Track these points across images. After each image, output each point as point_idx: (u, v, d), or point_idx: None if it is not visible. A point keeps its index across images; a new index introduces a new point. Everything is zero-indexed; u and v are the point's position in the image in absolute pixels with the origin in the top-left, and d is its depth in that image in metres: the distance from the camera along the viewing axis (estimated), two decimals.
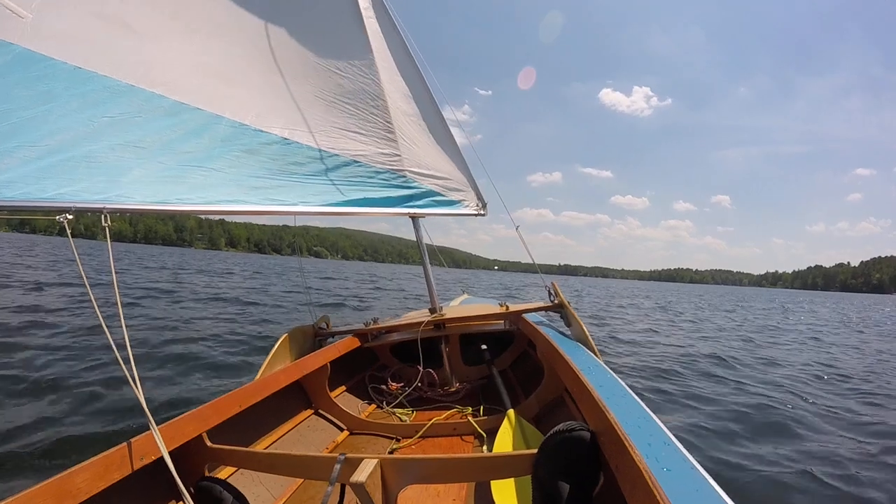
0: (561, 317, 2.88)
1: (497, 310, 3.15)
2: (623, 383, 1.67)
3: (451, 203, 3.27)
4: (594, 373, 1.78)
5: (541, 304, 3.01)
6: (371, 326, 3.27)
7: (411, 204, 3.04)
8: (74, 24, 2.95)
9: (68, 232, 2.06)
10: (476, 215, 3.43)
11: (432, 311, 3.32)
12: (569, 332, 2.73)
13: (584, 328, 2.57)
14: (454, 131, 3.30)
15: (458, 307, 3.96)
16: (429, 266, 3.36)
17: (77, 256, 2.05)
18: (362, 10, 3.08)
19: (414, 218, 3.20)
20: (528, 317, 3.05)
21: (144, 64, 2.89)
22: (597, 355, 2.28)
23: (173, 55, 2.92)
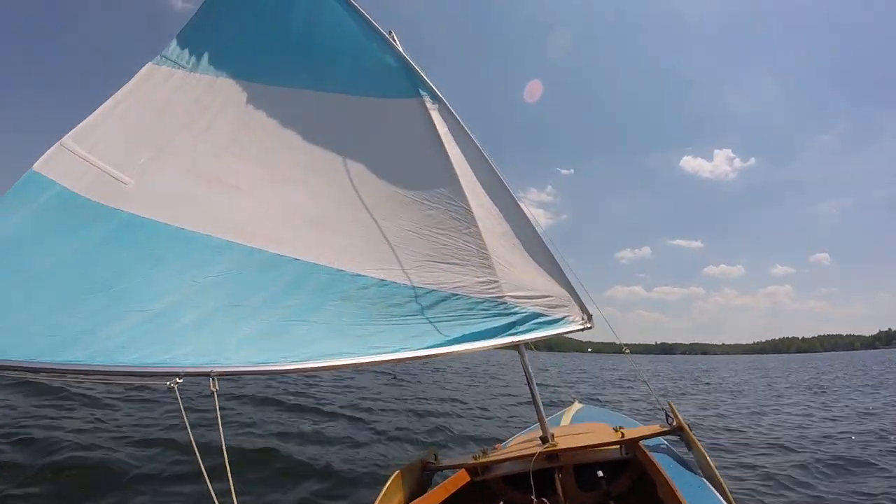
0: (681, 439, 2.77)
1: (612, 435, 2.96)
2: None
3: (555, 322, 2.99)
4: None
5: (657, 428, 2.91)
6: (481, 459, 3.03)
7: (514, 331, 2.80)
8: (173, 186, 3.20)
9: (177, 396, 2.03)
10: (582, 330, 3.12)
11: (544, 440, 3.02)
12: (691, 457, 2.64)
13: (708, 458, 2.42)
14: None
15: (569, 428, 3.62)
16: (537, 393, 3.07)
17: (188, 426, 2.02)
18: (441, 136, 3.10)
19: (519, 346, 2.96)
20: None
21: (240, 218, 3.03)
22: (725, 493, 2.16)
23: (266, 206, 3.06)
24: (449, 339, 2.59)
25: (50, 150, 3.26)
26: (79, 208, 3.01)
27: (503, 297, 2.82)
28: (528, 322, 2.87)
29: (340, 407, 7.90)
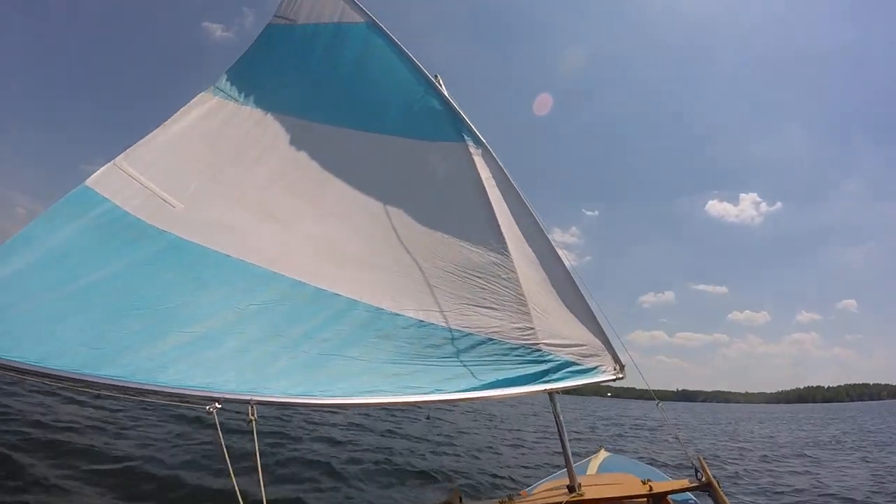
0: (709, 495, 2.72)
1: (640, 488, 2.90)
2: None
3: (587, 371, 2.97)
4: None
5: (686, 482, 2.87)
6: (506, 503, 2.97)
7: (547, 378, 2.79)
8: (221, 214, 3.29)
9: (216, 421, 2.04)
10: (614, 380, 3.09)
11: (571, 488, 2.95)
12: None
13: None
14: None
15: (596, 478, 3.56)
16: (566, 440, 3.02)
17: (225, 452, 2.01)
18: (484, 181, 3.17)
19: (550, 394, 2.94)
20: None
21: (285, 251, 3.10)
22: None
23: (310, 240, 3.12)
24: (483, 383, 2.59)
25: (103, 168, 3.39)
26: (128, 227, 3.10)
27: (538, 344, 2.82)
28: (561, 370, 2.86)
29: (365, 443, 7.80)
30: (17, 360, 1.97)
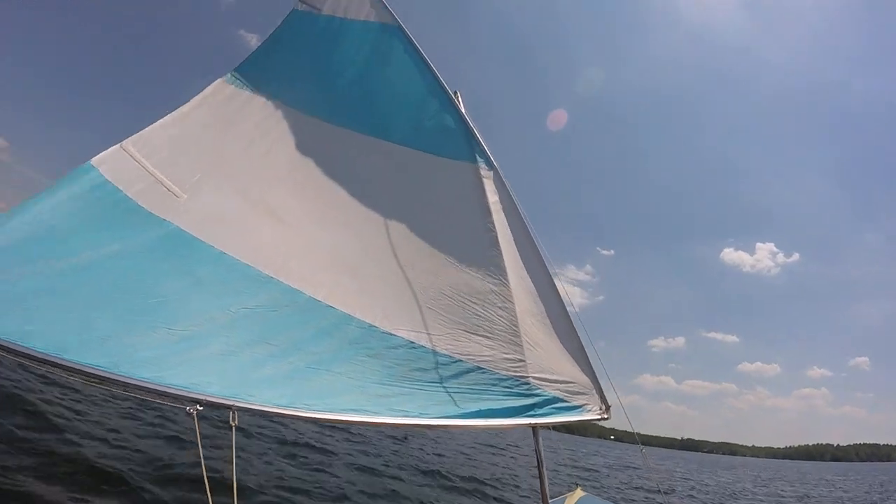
0: None
1: None
2: None
3: (573, 409, 2.94)
4: None
5: None
6: None
7: (533, 413, 2.76)
8: (224, 208, 3.23)
9: (196, 423, 2.01)
10: (599, 420, 3.06)
11: None
12: None
13: None
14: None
15: None
16: (545, 477, 2.98)
17: (202, 456, 1.99)
18: (491, 205, 3.15)
19: (535, 428, 2.91)
20: None
21: (284, 253, 3.06)
22: None
23: (311, 246, 3.07)
24: (468, 412, 2.56)
25: (110, 150, 3.35)
26: (128, 212, 3.07)
27: (527, 377, 2.79)
28: (547, 406, 2.83)
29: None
30: None
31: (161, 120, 3.52)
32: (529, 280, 2.99)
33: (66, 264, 2.66)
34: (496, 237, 2.99)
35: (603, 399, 3.08)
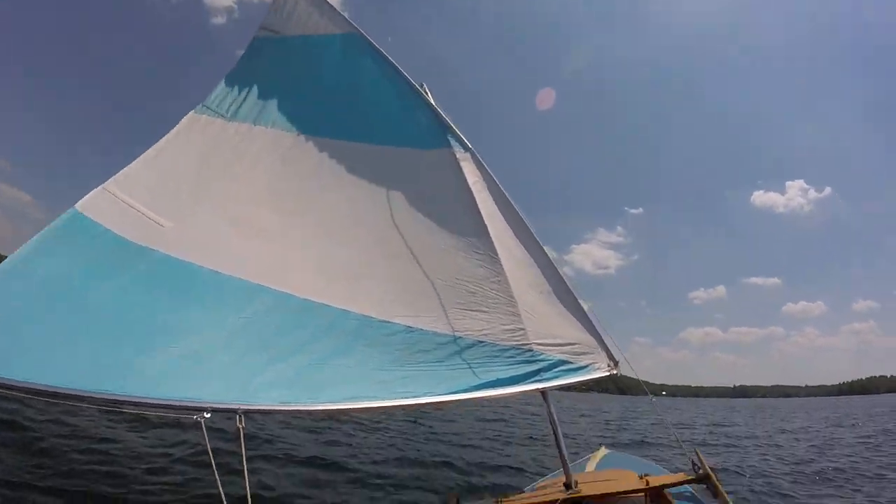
0: (707, 488, 2.77)
1: (636, 483, 2.91)
2: None
3: (580, 369, 2.97)
4: None
5: (683, 476, 2.91)
6: (503, 502, 2.98)
7: (539, 378, 2.79)
8: (209, 230, 3.30)
9: (204, 431, 2.05)
10: (608, 375, 3.09)
11: (567, 486, 2.95)
12: None
13: None
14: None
15: (594, 475, 3.57)
16: (561, 438, 3.01)
17: (213, 461, 2.02)
18: (471, 185, 3.20)
19: (544, 392, 2.93)
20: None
21: (272, 263, 3.11)
22: None
23: (298, 252, 3.12)
24: (474, 384, 2.59)
25: (93, 192, 3.43)
26: (118, 248, 3.14)
27: (529, 344, 2.82)
28: (553, 369, 2.86)
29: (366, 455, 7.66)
30: (6, 378, 2.00)
31: (138, 159, 3.60)
32: (520, 252, 3.03)
33: (68, 308, 2.73)
34: (480, 215, 3.05)
35: (610, 356, 3.11)
